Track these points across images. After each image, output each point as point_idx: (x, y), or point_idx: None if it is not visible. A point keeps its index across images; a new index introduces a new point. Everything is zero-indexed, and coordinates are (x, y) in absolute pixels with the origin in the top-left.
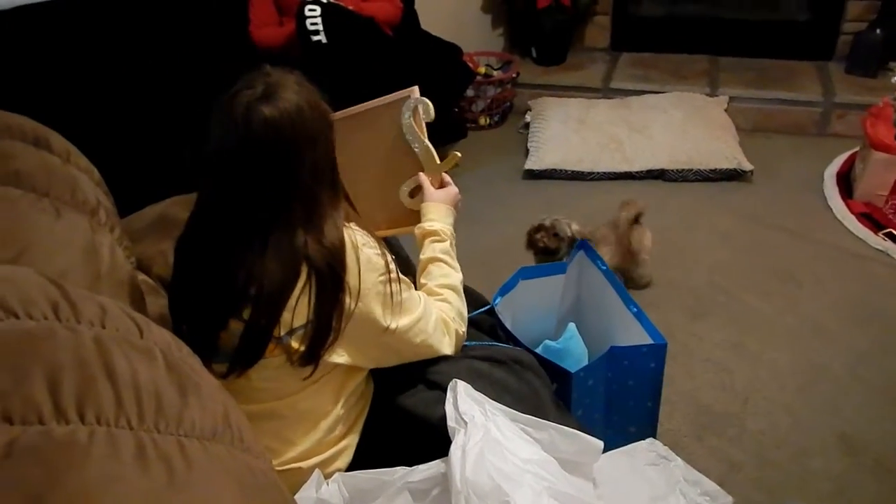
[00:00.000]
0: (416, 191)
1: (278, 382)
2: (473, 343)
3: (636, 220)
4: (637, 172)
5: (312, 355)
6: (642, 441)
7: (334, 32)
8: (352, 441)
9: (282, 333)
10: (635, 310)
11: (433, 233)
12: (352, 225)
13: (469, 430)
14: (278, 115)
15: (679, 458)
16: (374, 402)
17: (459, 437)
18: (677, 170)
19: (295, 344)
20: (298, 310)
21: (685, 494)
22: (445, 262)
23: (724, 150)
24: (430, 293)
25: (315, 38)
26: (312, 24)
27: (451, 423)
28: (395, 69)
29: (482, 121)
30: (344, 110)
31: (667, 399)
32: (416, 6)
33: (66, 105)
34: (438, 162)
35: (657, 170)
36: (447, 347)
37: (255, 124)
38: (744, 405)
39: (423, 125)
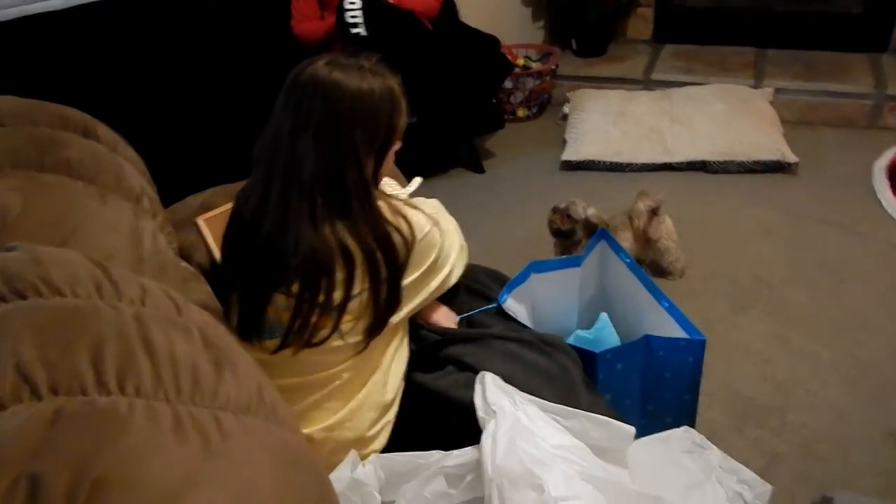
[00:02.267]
0: None
1: (333, 356)
2: (502, 328)
3: (654, 212)
4: (677, 164)
5: (378, 325)
6: (677, 429)
7: (374, 25)
8: (390, 417)
9: (336, 308)
10: (667, 304)
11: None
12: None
13: (498, 419)
14: (367, 88)
15: (715, 447)
16: (408, 384)
17: (490, 426)
18: (719, 161)
19: (349, 319)
20: (351, 287)
21: (722, 482)
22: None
23: (768, 142)
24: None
25: (354, 30)
26: (352, 17)
27: (480, 413)
28: (433, 62)
29: (520, 112)
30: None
31: (705, 390)
32: None
33: (116, 99)
34: (403, 189)
35: (698, 161)
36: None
37: (335, 88)
38: (786, 398)
39: None
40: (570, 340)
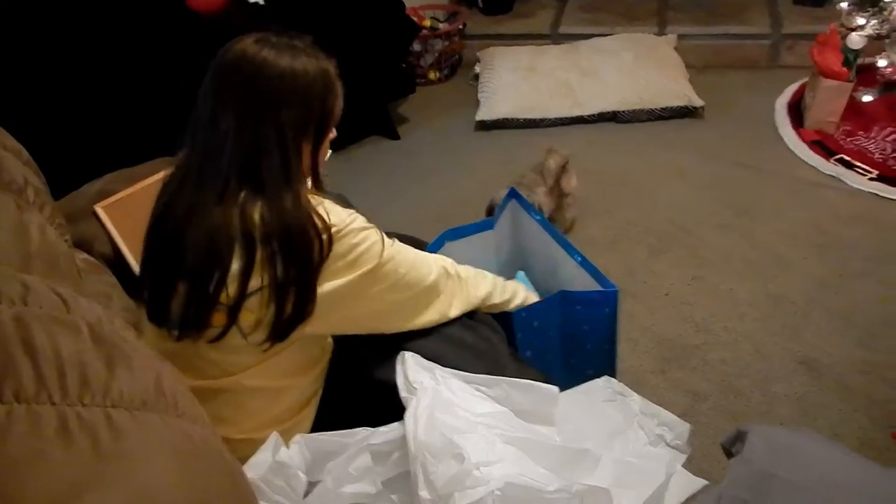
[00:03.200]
0: None
1: (236, 356)
2: None
3: (564, 167)
4: (589, 116)
5: (281, 332)
6: (598, 379)
7: None
8: (311, 411)
9: (230, 302)
10: (580, 258)
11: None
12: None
13: (419, 395)
14: (299, 68)
15: (635, 394)
16: (344, 375)
17: (412, 404)
18: (629, 111)
19: (250, 317)
20: (248, 282)
21: (643, 427)
22: (487, 279)
23: (675, 89)
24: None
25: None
26: None
27: (402, 393)
28: (336, 28)
29: (432, 75)
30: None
31: (628, 336)
32: None
33: None
34: None
35: (609, 112)
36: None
37: (263, 66)
38: (706, 337)
39: None
40: None
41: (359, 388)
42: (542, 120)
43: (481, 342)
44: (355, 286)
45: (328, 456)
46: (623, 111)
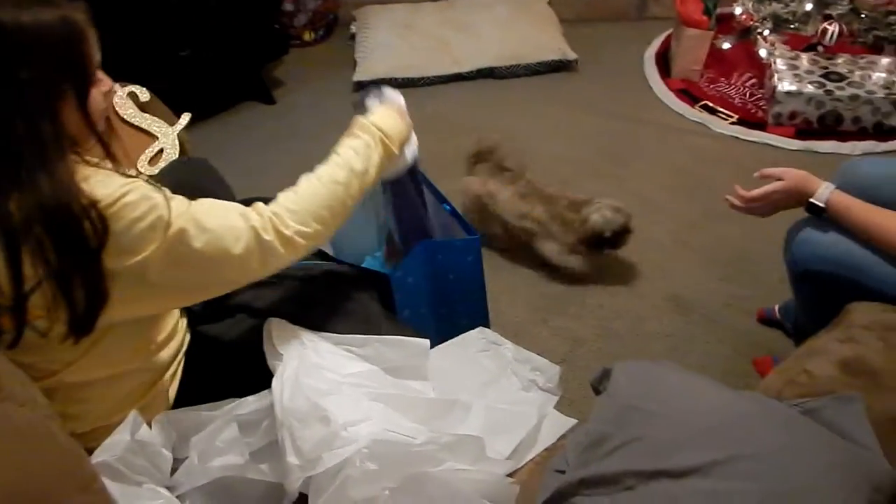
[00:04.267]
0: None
1: (49, 355)
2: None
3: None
4: (467, 73)
5: (82, 323)
6: (472, 331)
7: None
8: (165, 388)
9: (9, 303)
10: (449, 208)
11: (355, 125)
12: (94, 175)
13: (285, 361)
14: (28, 20)
15: (508, 342)
16: (208, 346)
17: (279, 370)
18: (506, 66)
19: (40, 315)
20: (20, 280)
21: (516, 373)
22: (334, 153)
23: (550, 43)
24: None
25: None
26: None
27: (270, 360)
28: None
29: (307, 36)
30: None
31: (508, 287)
32: None
33: None
34: (172, 127)
35: (486, 69)
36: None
37: None
38: (582, 283)
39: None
40: (364, 265)
41: (225, 359)
42: (420, 79)
43: (349, 302)
44: (148, 265)
45: (195, 431)
46: (500, 67)
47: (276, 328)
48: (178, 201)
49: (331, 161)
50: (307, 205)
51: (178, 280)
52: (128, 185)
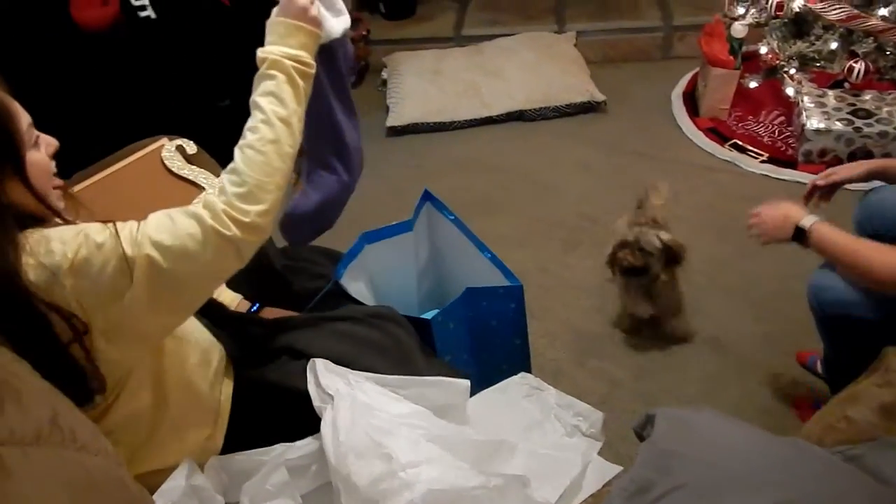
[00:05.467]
0: None
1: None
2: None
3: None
4: (497, 116)
5: (81, 398)
6: (515, 376)
7: (162, 6)
8: (214, 430)
9: None
10: (489, 255)
11: (263, 62)
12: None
13: (336, 402)
14: None
15: (551, 387)
16: (238, 384)
17: (328, 412)
18: (535, 109)
19: None
20: None
21: (559, 419)
22: (255, 109)
23: (577, 84)
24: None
25: (142, 13)
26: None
27: (316, 402)
28: (234, 39)
29: None
30: (89, 178)
31: (546, 331)
32: None
33: None
34: (217, 178)
35: (516, 111)
36: (205, 259)
37: None
38: (619, 324)
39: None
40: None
41: (270, 402)
42: (451, 122)
43: (388, 339)
44: (131, 305)
45: (244, 476)
46: (529, 109)
47: (320, 369)
48: (128, 230)
49: (256, 120)
50: (253, 181)
51: (164, 304)
52: (77, 239)
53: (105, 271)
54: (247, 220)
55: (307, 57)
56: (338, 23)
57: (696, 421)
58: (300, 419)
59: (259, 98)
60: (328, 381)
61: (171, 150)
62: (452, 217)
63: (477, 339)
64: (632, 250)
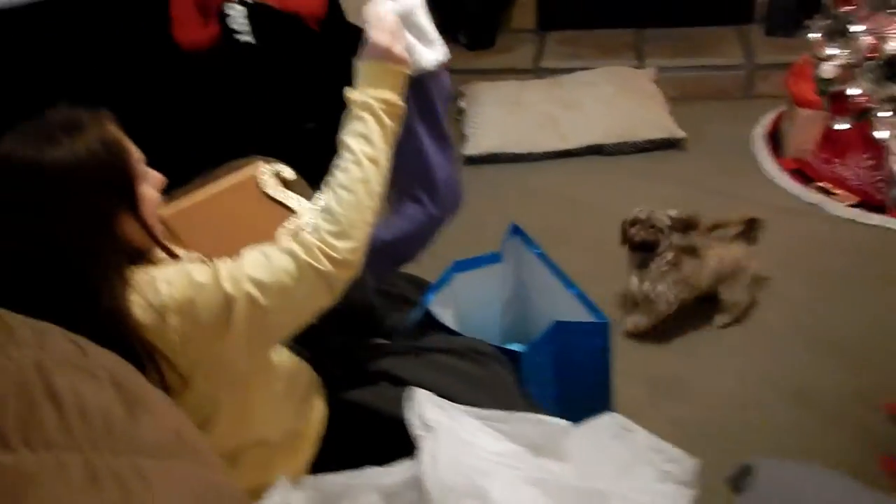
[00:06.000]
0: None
1: None
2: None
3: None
4: (575, 149)
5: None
6: (604, 415)
7: (261, 32)
8: (306, 449)
9: None
10: (575, 291)
11: (352, 103)
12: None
13: (437, 435)
14: (64, 155)
15: (642, 429)
16: (334, 404)
17: (427, 443)
18: (613, 143)
19: None
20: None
21: (651, 463)
22: (345, 150)
23: (656, 120)
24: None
25: (242, 38)
26: (237, 23)
27: (416, 431)
28: (324, 65)
29: None
30: (182, 200)
31: (620, 369)
32: None
33: None
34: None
35: (594, 145)
36: (301, 295)
37: (25, 172)
38: (696, 368)
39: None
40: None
41: (365, 425)
42: (528, 154)
43: (490, 376)
44: (232, 342)
45: (336, 498)
46: (607, 143)
47: (419, 399)
48: (227, 269)
49: (345, 160)
50: (344, 220)
51: (260, 339)
52: (182, 280)
53: (208, 310)
54: (338, 256)
55: (395, 97)
56: (429, 54)
57: (800, 476)
58: (393, 445)
59: (348, 138)
60: (428, 411)
61: (267, 173)
62: (538, 251)
63: (560, 375)
64: (643, 227)
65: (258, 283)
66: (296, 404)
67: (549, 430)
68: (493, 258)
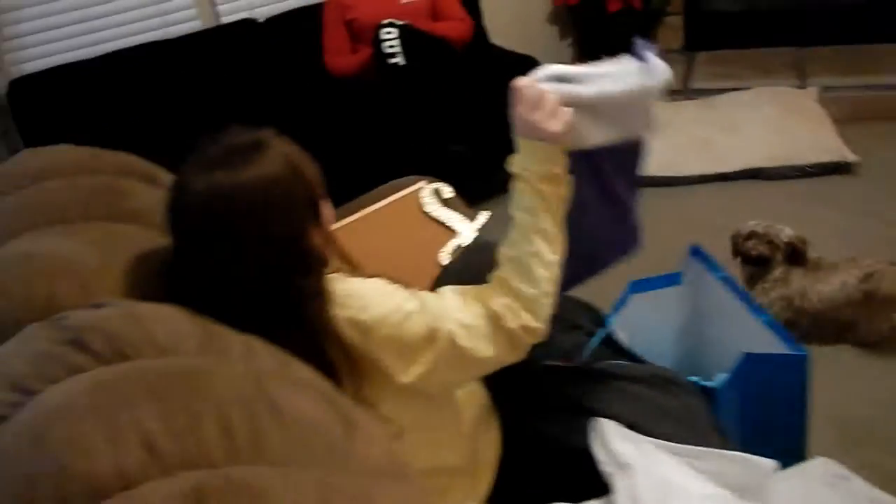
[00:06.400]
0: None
1: None
2: (609, 363)
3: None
4: (731, 173)
5: None
6: (814, 460)
7: (411, 54)
8: (478, 482)
9: None
10: (765, 318)
11: (513, 176)
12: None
13: (633, 473)
14: (258, 175)
15: (859, 478)
16: (510, 431)
17: (621, 482)
18: (774, 167)
19: None
20: None
21: None
22: (513, 224)
23: (824, 143)
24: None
25: (392, 60)
26: (390, 46)
27: (606, 467)
28: (469, 88)
29: None
30: (347, 215)
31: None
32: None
33: (149, 142)
34: (472, 223)
35: (753, 168)
36: (492, 348)
37: (220, 197)
38: (889, 409)
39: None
40: None
41: (542, 453)
42: (681, 177)
43: (681, 407)
44: (428, 376)
45: None
46: (768, 167)
47: (611, 432)
48: (431, 303)
49: (514, 233)
50: (528, 294)
51: (446, 378)
52: (390, 303)
53: (411, 338)
54: (529, 324)
55: (552, 170)
56: (598, 132)
57: None
58: (575, 477)
59: (515, 211)
60: (621, 446)
61: (429, 193)
62: (722, 274)
63: (748, 412)
64: (761, 241)
65: (460, 324)
66: (474, 429)
67: (754, 470)
68: (672, 279)
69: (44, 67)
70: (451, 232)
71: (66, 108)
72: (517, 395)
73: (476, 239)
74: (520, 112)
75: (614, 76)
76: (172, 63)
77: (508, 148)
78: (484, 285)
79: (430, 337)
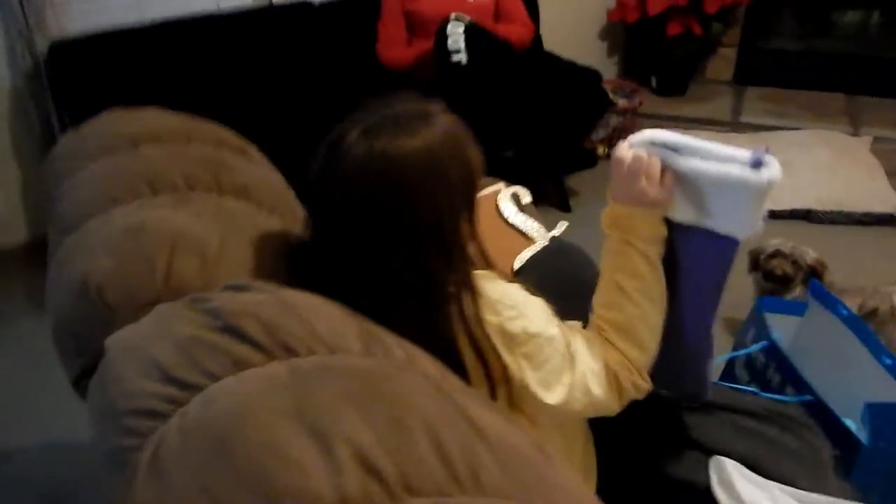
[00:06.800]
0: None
1: None
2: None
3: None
4: (779, 211)
5: None
6: None
7: (475, 53)
8: None
9: None
10: (889, 362)
11: (615, 238)
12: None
13: None
14: (423, 144)
15: None
16: (613, 463)
17: None
18: (825, 211)
19: None
20: None
21: None
22: (615, 287)
23: (878, 193)
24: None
25: (455, 57)
26: (454, 42)
27: None
28: (528, 93)
29: (600, 151)
30: None
31: None
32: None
33: None
34: (550, 231)
35: (803, 210)
36: (604, 396)
37: (388, 163)
38: None
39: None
40: None
41: (648, 487)
42: None
43: (804, 447)
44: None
45: None
46: (818, 210)
47: (732, 472)
48: (566, 332)
49: (617, 297)
50: (635, 355)
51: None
52: (538, 321)
53: (549, 362)
54: (639, 383)
55: (661, 231)
56: (686, 208)
57: None
58: None
59: (615, 273)
60: (745, 488)
61: (507, 197)
62: (846, 312)
63: (868, 465)
64: (786, 261)
65: (588, 365)
66: (579, 456)
67: None
68: (798, 307)
69: (87, 30)
70: (528, 240)
71: (107, 77)
72: (620, 422)
73: (552, 239)
74: (623, 182)
75: (717, 156)
76: (221, 40)
77: (553, 157)
78: (593, 334)
79: (563, 367)
